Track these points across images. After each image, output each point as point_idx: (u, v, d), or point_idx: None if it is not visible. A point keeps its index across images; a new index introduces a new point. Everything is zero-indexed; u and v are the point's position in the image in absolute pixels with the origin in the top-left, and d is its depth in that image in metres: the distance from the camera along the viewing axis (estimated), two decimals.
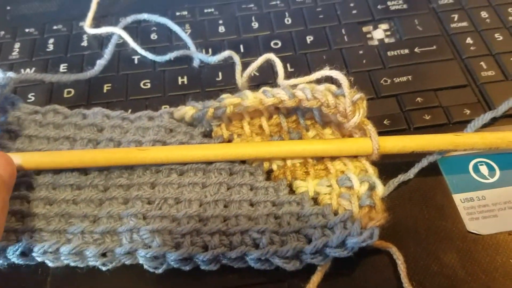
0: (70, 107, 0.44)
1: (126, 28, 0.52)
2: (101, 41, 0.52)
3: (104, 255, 0.36)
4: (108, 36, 0.51)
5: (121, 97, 0.47)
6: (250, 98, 0.40)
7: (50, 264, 0.36)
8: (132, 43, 0.50)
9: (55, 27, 0.54)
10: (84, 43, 0.52)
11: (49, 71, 0.49)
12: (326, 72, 0.40)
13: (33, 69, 0.49)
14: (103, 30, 0.51)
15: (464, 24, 0.52)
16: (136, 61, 0.50)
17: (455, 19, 0.52)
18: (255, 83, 0.47)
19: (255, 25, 0.53)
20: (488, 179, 0.40)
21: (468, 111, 0.44)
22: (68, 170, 0.40)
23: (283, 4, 0.55)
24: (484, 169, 0.41)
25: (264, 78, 0.48)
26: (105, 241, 0.36)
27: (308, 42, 0.51)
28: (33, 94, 0.47)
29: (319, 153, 0.40)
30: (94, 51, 0.51)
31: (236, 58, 0.47)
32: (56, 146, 0.41)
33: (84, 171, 0.40)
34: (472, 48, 0.50)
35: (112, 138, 0.42)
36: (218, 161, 0.40)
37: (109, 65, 0.49)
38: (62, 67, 0.50)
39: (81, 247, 0.36)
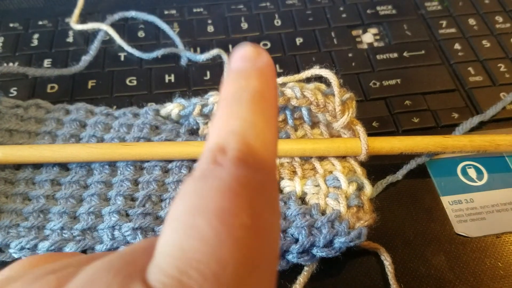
0: (54, 103, 0.43)
1: (113, 25, 0.51)
2: (87, 38, 0.51)
3: (84, 252, 0.35)
4: (94, 33, 0.50)
5: (106, 94, 0.46)
6: None
7: None
8: (119, 40, 0.49)
9: (40, 23, 0.53)
10: (70, 39, 0.51)
11: (33, 66, 0.48)
12: (316, 71, 0.39)
13: (16, 63, 0.48)
14: (90, 26, 0.51)
15: (452, 30, 0.52)
16: (122, 58, 0.49)
17: (443, 25, 0.53)
18: None
19: (244, 25, 0.53)
20: (476, 182, 0.40)
21: (456, 115, 0.44)
22: (48, 165, 0.39)
23: (272, 6, 0.55)
24: (472, 172, 0.41)
25: None
26: (86, 238, 0.35)
27: (298, 44, 0.51)
28: (15, 88, 0.46)
29: (307, 153, 0.39)
30: (79, 47, 0.50)
31: (225, 57, 0.47)
32: (37, 141, 0.40)
33: (65, 166, 0.39)
34: (460, 54, 0.50)
35: (94, 134, 0.41)
36: None
37: (95, 62, 0.48)
38: (46, 62, 0.49)
39: (60, 243, 0.35)
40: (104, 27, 0.50)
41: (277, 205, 0.18)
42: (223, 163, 0.16)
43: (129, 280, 0.15)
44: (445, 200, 0.39)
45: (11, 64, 0.48)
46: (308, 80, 0.41)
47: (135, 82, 0.47)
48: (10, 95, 0.45)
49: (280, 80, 0.41)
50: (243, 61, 0.19)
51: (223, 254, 0.15)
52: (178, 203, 0.16)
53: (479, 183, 0.40)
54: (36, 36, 0.51)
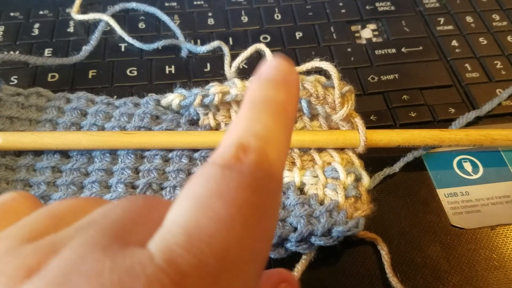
0: (54, 91, 0.43)
1: (113, 16, 0.51)
2: (88, 28, 0.51)
3: None
4: (95, 23, 0.51)
5: (106, 84, 0.46)
6: (239, 87, 0.40)
7: None
8: (120, 31, 0.49)
9: (41, 12, 0.53)
10: (70, 29, 0.51)
11: (34, 55, 0.48)
12: (316, 63, 0.40)
13: (17, 52, 0.48)
14: (90, 16, 0.51)
15: (450, 27, 0.53)
16: (122, 49, 0.49)
17: (441, 22, 0.53)
18: (244, 76, 0.46)
19: (245, 19, 0.53)
20: (471, 175, 0.41)
21: (452, 110, 0.45)
22: (49, 153, 0.39)
23: (272, 0, 0.55)
24: (468, 166, 0.41)
25: (253, 70, 0.47)
26: None
27: (297, 38, 0.51)
28: (15, 77, 0.46)
29: (306, 144, 0.39)
30: (80, 37, 0.50)
31: (225, 49, 0.47)
32: (38, 128, 0.40)
33: (66, 154, 0.40)
34: (457, 50, 0.50)
35: (95, 122, 0.41)
36: (204, 149, 0.39)
37: (95, 52, 0.48)
38: (47, 52, 0.49)
39: None
40: (105, 17, 0.50)
41: (277, 207, 0.20)
42: (245, 162, 0.18)
43: (123, 248, 0.15)
44: (441, 193, 0.39)
45: (11, 52, 0.48)
46: (307, 73, 0.41)
47: (135, 73, 0.47)
48: (11, 83, 0.46)
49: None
50: (277, 71, 0.21)
51: (233, 237, 0.16)
52: (199, 183, 0.17)
53: (475, 177, 0.41)
54: (37, 25, 0.51)
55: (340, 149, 0.40)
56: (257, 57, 0.48)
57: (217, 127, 0.42)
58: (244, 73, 0.47)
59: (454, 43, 0.51)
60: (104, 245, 0.15)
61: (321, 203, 0.37)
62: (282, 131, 0.20)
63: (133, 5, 0.52)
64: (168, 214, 0.16)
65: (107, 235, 0.16)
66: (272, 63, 0.21)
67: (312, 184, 0.38)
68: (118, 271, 0.14)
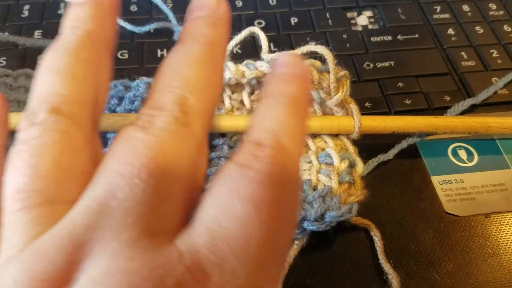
0: None
1: None
2: None
3: None
4: None
5: None
6: (232, 70, 0.39)
7: None
8: None
9: None
10: (61, 11, 0.50)
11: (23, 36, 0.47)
12: (311, 47, 0.39)
13: (6, 33, 0.47)
14: None
15: (446, 16, 0.52)
16: None
17: (437, 10, 0.53)
18: (237, 61, 0.45)
19: (239, 3, 0.52)
20: (466, 163, 0.40)
21: (448, 98, 0.44)
22: None
23: None
24: (462, 154, 0.41)
25: (247, 56, 0.46)
26: None
27: (292, 23, 0.50)
28: (4, 58, 0.45)
29: None
30: None
31: None
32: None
33: None
34: (453, 38, 0.50)
35: None
36: None
37: None
38: (37, 34, 0.48)
39: None
40: None
41: (297, 196, 0.21)
42: (260, 157, 0.19)
43: (159, 243, 0.16)
44: (435, 180, 0.39)
45: (0, 33, 0.47)
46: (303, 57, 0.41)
47: (126, 56, 0.46)
48: None
49: (275, 56, 0.41)
50: (287, 67, 0.23)
51: (251, 234, 0.17)
52: (220, 183, 0.19)
53: (469, 164, 0.40)
54: (26, 7, 0.50)
55: (334, 135, 0.40)
56: (251, 41, 0.47)
57: None
58: (238, 58, 0.46)
59: (450, 31, 0.51)
60: (133, 239, 0.16)
61: (315, 188, 0.36)
62: (295, 121, 0.21)
63: None
64: (197, 212, 0.18)
65: (132, 226, 0.16)
66: (282, 60, 0.23)
67: (305, 170, 0.37)
68: (149, 270, 0.16)
